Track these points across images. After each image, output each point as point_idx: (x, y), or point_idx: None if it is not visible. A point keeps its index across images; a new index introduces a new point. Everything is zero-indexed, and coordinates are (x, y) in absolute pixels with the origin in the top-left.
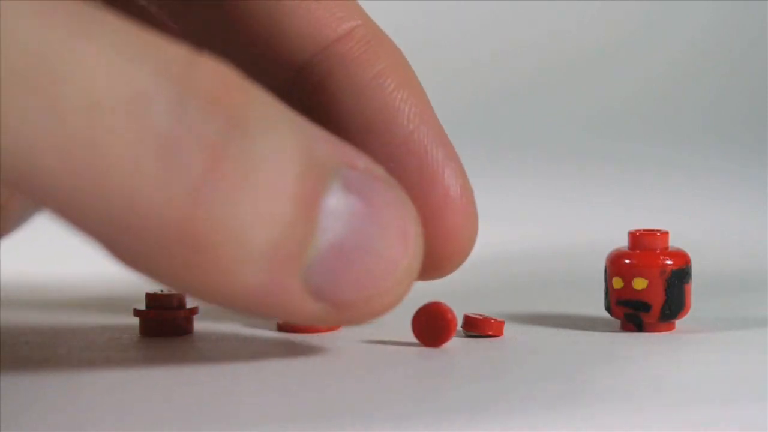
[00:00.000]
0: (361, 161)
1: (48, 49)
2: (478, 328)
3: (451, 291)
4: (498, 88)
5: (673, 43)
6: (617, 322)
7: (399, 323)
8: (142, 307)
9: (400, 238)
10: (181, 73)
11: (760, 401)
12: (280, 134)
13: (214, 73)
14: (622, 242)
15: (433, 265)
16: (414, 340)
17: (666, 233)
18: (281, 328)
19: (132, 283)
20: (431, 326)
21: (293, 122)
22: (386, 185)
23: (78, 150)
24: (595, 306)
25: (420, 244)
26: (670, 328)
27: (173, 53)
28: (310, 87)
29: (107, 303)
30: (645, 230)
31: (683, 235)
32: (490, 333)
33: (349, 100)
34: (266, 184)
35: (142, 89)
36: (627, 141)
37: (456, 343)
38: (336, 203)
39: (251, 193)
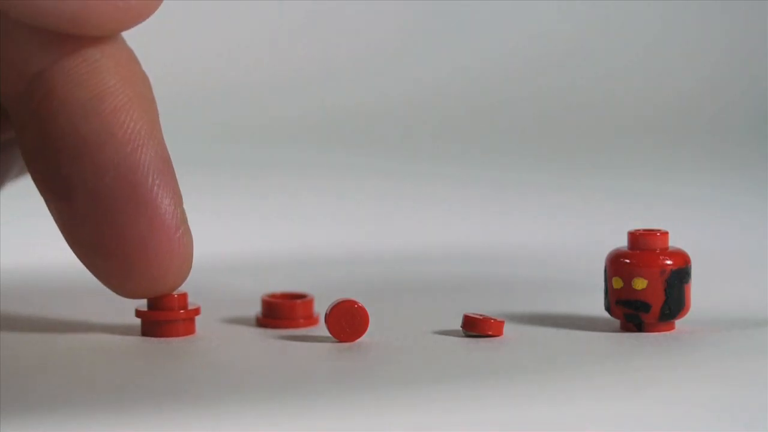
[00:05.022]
0: None
1: None
2: (478, 328)
3: (451, 291)
4: (501, 86)
5: (671, 43)
6: (617, 322)
7: (397, 321)
8: (143, 308)
9: None
10: None
11: (760, 401)
12: None
13: None
14: (622, 242)
15: (143, 287)
16: (413, 339)
17: (666, 233)
18: (260, 322)
19: None
20: (348, 323)
21: None
22: None
23: None
24: (595, 306)
25: None
26: (670, 328)
27: None
28: (36, 100)
29: (108, 303)
30: (645, 230)
31: (683, 235)
32: (490, 333)
33: (65, 117)
34: None
35: None
36: (627, 141)
37: (456, 343)
38: None
39: None
